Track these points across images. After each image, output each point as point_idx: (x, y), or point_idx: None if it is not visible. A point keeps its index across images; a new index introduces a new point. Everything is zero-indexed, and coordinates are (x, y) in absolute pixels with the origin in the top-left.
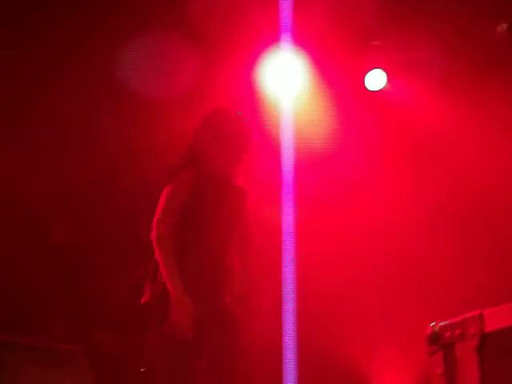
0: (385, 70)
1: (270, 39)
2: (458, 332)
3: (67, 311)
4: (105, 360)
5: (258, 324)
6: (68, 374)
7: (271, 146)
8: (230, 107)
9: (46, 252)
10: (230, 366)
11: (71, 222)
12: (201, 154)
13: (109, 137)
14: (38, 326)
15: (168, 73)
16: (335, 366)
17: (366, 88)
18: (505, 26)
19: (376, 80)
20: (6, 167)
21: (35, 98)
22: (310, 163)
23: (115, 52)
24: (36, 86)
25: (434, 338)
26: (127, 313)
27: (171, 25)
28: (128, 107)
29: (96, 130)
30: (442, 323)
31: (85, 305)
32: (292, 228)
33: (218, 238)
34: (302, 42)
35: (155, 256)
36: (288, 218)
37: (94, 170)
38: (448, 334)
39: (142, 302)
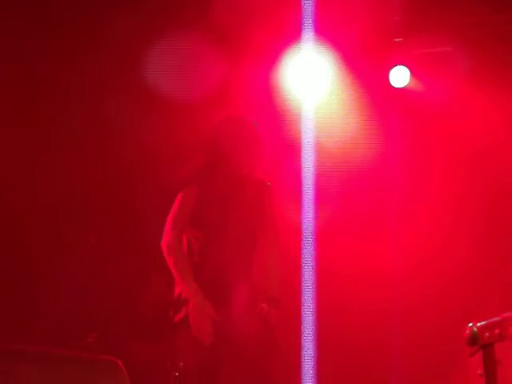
0: (408, 67)
1: (292, 37)
2: (497, 332)
3: (100, 321)
4: (139, 367)
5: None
6: (109, 383)
7: (292, 146)
8: (239, 113)
9: (82, 260)
10: (266, 371)
11: (97, 233)
12: (218, 158)
13: (132, 138)
14: (72, 337)
15: (190, 73)
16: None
17: (390, 85)
18: None
19: (400, 77)
20: (33, 175)
21: (57, 99)
22: (332, 163)
23: (139, 52)
24: (56, 85)
25: (473, 339)
26: (159, 320)
27: (194, 25)
28: (151, 108)
29: (119, 132)
30: (480, 323)
31: (116, 313)
32: (312, 230)
33: (238, 237)
34: (324, 39)
35: (167, 264)
36: (308, 219)
37: (117, 174)
38: (487, 335)
39: (177, 320)
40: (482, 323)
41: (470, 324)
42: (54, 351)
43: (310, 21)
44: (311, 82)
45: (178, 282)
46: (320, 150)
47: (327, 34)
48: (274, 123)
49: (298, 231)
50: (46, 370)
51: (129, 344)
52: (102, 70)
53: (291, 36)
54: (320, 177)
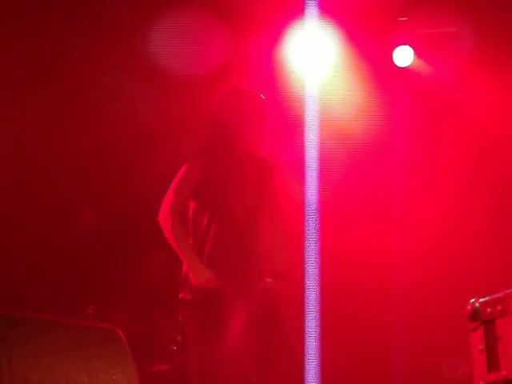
0: (412, 47)
1: (296, 13)
2: (498, 308)
3: (98, 295)
4: (137, 340)
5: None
6: (109, 351)
7: (296, 123)
8: (246, 86)
9: (76, 238)
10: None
11: (95, 207)
12: (223, 131)
13: (131, 115)
14: (71, 310)
15: (192, 49)
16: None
17: (394, 64)
18: None
19: (403, 56)
20: (29, 154)
21: (57, 76)
22: (335, 140)
23: (140, 27)
24: (56, 62)
25: (475, 314)
26: (156, 295)
27: (198, 1)
28: (151, 84)
29: (118, 108)
30: (482, 299)
31: (113, 288)
32: (315, 207)
33: (242, 212)
34: (328, 16)
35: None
36: (311, 196)
37: (116, 150)
38: (489, 310)
39: (181, 297)
40: (484, 299)
41: (472, 300)
42: (53, 318)
43: None
44: (315, 59)
45: (176, 251)
46: (323, 126)
47: (331, 10)
48: (277, 100)
49: (301, 208)
50: (44, 335)
51: (127, 318)
52: (100, 44)
53: (295, 12)
54: (323, 154)
